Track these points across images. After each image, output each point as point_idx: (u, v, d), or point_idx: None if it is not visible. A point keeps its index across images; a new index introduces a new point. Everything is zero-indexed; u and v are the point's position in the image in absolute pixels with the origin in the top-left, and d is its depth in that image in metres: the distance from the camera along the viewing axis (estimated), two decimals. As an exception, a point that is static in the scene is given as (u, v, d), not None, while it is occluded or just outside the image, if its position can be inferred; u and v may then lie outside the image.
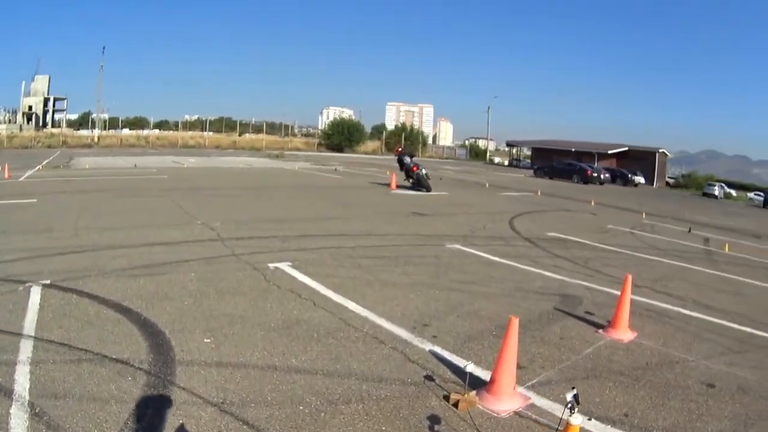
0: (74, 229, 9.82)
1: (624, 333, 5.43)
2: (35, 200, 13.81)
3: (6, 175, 20.22)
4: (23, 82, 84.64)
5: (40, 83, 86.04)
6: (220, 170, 28.26)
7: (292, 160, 40.24)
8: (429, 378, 4.23)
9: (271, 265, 7.48)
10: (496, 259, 8.76)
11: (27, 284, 6.18)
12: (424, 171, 20.77)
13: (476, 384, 4.10)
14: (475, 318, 5.75)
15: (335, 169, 31.66)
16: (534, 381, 4.31)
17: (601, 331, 5.59)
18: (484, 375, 4.27)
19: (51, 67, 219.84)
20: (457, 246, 9.64)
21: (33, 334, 4.72)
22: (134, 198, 15.06)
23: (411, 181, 20.71)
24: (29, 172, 22.56)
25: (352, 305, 5.84)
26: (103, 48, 69.35)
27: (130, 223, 10.65)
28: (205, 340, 4.84)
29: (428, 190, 20.23)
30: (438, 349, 4.76)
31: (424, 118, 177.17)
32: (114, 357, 4.36)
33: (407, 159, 21.09)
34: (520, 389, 4.05)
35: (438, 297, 6.41)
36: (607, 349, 5.13)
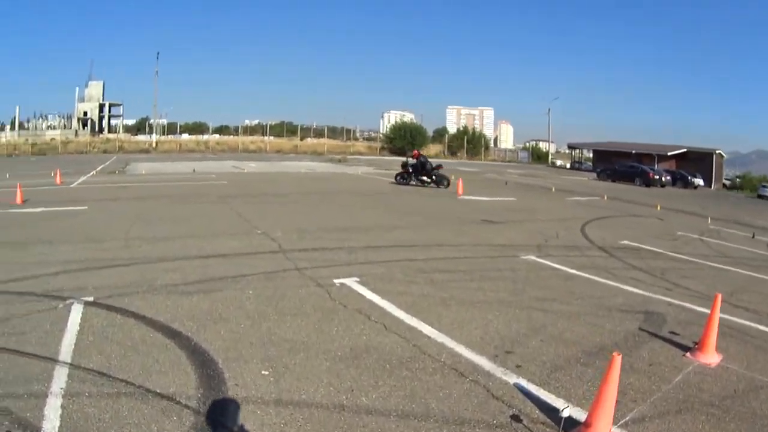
0: (125, 239, 10.04)
1: (711, 356, 5.47)
2: (86, 207, 14.42)
3: (58, 181, 21.43)
4: (77, 88, 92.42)
5: (95, 89, 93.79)
6: (281, 175, 29.12)
7: (355, 165, 42.28)
8: (516, 418, 4.05)
9: (337, 281, 7.41)
10: (574, 272, 8.85)
11: (68, 301, 6.22)
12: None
13: (567, 425, 3.91)
14: (560, 342, 5.64)
15: None
16: (628, 418, 4.15)
17: (688, 354, 5.55)
18: (576, 413, 4.11)
19: (105, 74, 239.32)
20: (533, 257, 9.81)
21: (69, 360, 4.64)
22: (191, 205, 15.49)
23: (433, 178, 24.59)
24: (82, 178, 23.93)
25: (426, 329, 5.72)
26: (158, 54, 74.31)
27: (185, 233, 10.83)
28: (263, 372, 4.61)
29: (447, 185, 24.25)
30: (523, 382, 4.60)
31: (484, 120, 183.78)
32: (158, 391, 4.18)
33: (426, 163, 24.98)
34: (616, 430, 3.94)
35: (519, 317, 6.35)
36: (696, 375, 5.05)
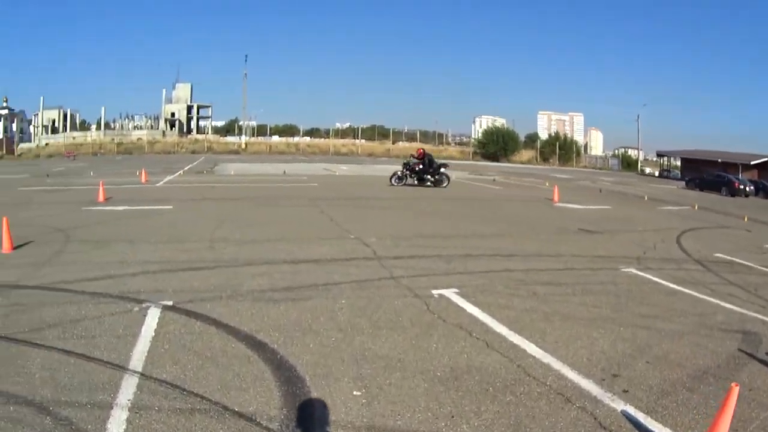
0: (210, 241, 10.21)
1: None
2: (171, 207, 14.97)
3: (143, 180, 22.52)
4: (164, 90, 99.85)
5: (182, 91, 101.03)
6: (373, 179, 29.79)
7: (448, 170, 41.86)
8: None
9: (435, 292, 7.32)
10: (675, 287, 8.95)
11: (145, 304, 6.26)
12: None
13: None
14: (665, 364, 5.57)
15: (493, 180, 33.27)
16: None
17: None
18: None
19: (193, 76, 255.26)
20: (633, 270, 9.90)
21: (140, 369, 4.57)
22: (281, 207, 15.76)
23: (435, 178, 25.53)
24: (168, 178, 25.18)
25: (531, 347, 5.66)
26: (246, 56, 78.70)
27: (274, 236, 10.92)
28: (355, 393, 4.41)
29: (447, 185, 25.60)
30: (631, 410, 4.48)
31: (574, 126, 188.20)
32: (236, 409, 3.98)
33: (432, 162, 25.91)
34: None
35: (623, 336, 6.33)
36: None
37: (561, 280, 8.71)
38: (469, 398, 4.44)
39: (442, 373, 4.86)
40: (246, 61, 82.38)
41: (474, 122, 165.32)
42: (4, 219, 9.36)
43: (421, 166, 25.50)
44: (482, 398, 4.45)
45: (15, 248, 9.28)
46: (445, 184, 25.48)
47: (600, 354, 5.67)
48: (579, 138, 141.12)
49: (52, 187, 21.85)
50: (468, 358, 5.21)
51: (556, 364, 5.23)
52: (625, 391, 4.82)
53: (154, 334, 5.38)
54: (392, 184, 25.18)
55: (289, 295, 6.92)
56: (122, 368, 4.57)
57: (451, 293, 7.25)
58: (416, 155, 26.17)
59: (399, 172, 25.68)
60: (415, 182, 25.42)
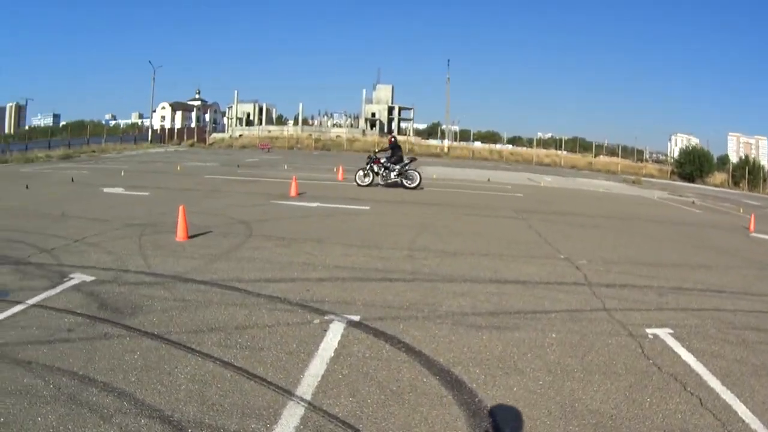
0: (409, 249, 9.94)
1: None
2: (368, 207, 15.06)
3: (339, 177, 23.55)
4: (363, 90, 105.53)
5: (383, 92, 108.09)
6: (578, 193, 29.31)
7: (648, 188, 43.23)
8: None
9: (649, 332, 6.85)
10: None
11: (327, 317, 5.96)
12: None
13: None
14: None
15: (692, 202, 31.46)
16: None
17: None
18: None
19: (394, 78, 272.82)
20: None
21: (308, 397, 4.20)
22: (485, 217, 15.35)
23: (394, 175, 22.37)
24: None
25: (740, 408, 5.09)
26: (448, 61, 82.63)
27: (478, 249, 10.45)
28: None
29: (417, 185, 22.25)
30: None
31: (760, 150, 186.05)
32: None
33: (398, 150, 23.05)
34: None
35: None
36: None
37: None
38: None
39: (657, 438, 4.47)
40: (448, 65, 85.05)
41: (670, 140, 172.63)
42: (181, 207, 9.70)
43: (383, 160, 22.79)
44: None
45: (190, 237, 9.59)
46: (414, 184, 22.29)
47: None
48: (765, 162, 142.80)
49: (242, 178, 23.23)
50: (682, 419, 4.74)
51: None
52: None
53: (333, 354, 5.02)
54: (360, 185, 22.53)
55: (494, 322, 6.38)
56: (287, 393, 4.24)
57: (665, 334, 6.81)
58: (386, 145, 23.49)
59: (362, 171, 22.91)
60: (380, 182, 22.65)
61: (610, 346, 6.15)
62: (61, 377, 4.29)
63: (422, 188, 22.36)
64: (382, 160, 22.70)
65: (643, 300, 8.22)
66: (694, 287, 9.45)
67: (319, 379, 4.48)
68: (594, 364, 5.59)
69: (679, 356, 6.17)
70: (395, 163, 22.63)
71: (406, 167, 22.65)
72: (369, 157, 23.23)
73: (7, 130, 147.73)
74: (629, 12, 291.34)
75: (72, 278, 7.04)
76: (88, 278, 7.05)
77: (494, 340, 5.78)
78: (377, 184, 22.63)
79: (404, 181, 22.45)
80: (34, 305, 6.02)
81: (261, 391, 4.21)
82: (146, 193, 16.79)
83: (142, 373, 4.40)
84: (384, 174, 22.61)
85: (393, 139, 24.35)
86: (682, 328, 7.17)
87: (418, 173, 22.79)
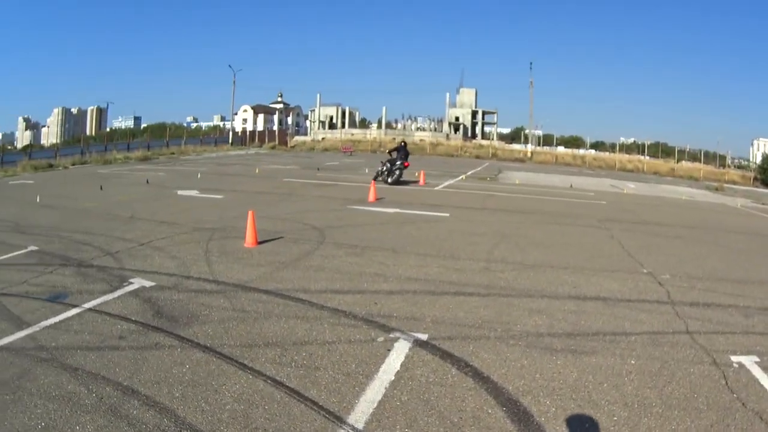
0: (486, 261, 9.58)
1: None
2: (447, 214, 14.70)
3: (420, 182, 23.32)
4: (447, 94, 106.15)
5: (467, 96, 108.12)
6: (662, 200, 28.24)
7: (731, 195, 41.46)
8: None
9: (734, 359, 6.34)
10: None
11: (393, 334, 5.69)
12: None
13: None
14: None
15: None
16: None
17: None
18: None
19: (477, 82, 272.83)
20: None
21: (360, 426, 3.97)
22: (567, 227, 14.78)
23: (393, 177, 23.02)
24: (449, 182, 25.64)
25: None
26: (530, 64, 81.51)
27: (558, 262, 10.00)
28: None
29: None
30: None
31: None
32: None
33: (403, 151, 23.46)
34: None
35: None
36: None
37: None
38: None
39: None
40: (531, 69, 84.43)
41: (752, 144, 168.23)
42: (250, 212, 9.64)
43: (394, 158, 23.36)
44: None
45: (259, 243, 9.52)
46: (391, 180, 22.84)
47: None
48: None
49: (321, 181, 23.37)
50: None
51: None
52: None
53: (393, 378, 4.75)
54: (387, 183, 23.13)
55: (570, 344, 5.98)
56: (338, 420, 4.03)
57: (751, 363, 6.25)
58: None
59: (379, 170, 23.77)
60: (388, 180, 23.12)
61: (692, 375, 5.73)
62: (105, 386, 4.24)
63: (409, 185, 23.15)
64: (394, 160, 23.46)
65: (728, 322, 7.72)
66: (773, 308, 8.87)
67: (375, 405, 4.24)
68: (674, 397, 5.21)
69: (766, 390, 5.67)
70: (400, 162, 23.42)
71: (395, 168, 23.20)
72: (387, 161, 23.99)
73: (88, 133, 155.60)
74: (710, 12, 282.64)
75: (132, 283, 7.11)
76: (148, 284, 7.09)
77: (569, 366, 5.42)
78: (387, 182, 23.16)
79: (387, 178, 23.20)
80: (89, 309, 6.09)
81: (310, 417, 4.01)
82: (220, 197, 17.02)
83: (188, 388, 4.28)
84: (390, 173, 23.35)
85: (404, 142, 24.92)
86: (768, 355, 6.74)
87: (399, 171, 23.19)
